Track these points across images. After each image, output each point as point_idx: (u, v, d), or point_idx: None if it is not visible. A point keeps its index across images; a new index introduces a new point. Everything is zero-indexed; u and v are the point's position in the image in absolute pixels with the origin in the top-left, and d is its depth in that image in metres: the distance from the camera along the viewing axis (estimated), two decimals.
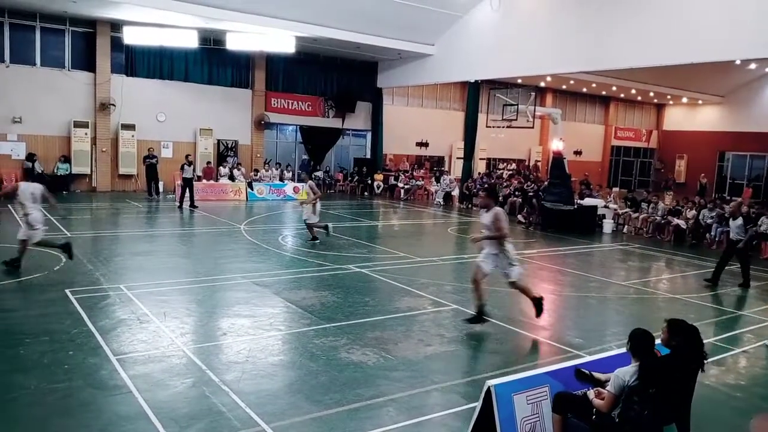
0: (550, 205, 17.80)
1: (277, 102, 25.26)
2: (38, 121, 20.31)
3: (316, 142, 26.66)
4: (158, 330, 6.94)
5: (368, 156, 28.29)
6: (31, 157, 19.87)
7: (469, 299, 9.13)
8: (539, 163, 32.21)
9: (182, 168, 18.41)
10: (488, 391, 4.09)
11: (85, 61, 21.11)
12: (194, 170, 19.31)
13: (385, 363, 6.27)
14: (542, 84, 29.86)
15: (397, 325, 7.61)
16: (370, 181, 26.08)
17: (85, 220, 15.61)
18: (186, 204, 18.14)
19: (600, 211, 18.23)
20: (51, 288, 8.49)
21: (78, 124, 20.81)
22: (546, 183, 19.99)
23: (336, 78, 26.55)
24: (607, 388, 4.25)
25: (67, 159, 20.72)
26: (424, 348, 6.83)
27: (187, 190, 18.30)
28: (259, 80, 24.62)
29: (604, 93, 33.91)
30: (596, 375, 4.47)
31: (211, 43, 22.48)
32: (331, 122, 26.71)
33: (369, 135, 28.30)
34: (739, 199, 19.07)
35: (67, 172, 20.72)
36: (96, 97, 21.12)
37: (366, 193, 25.77)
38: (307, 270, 10.50)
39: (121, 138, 21.59)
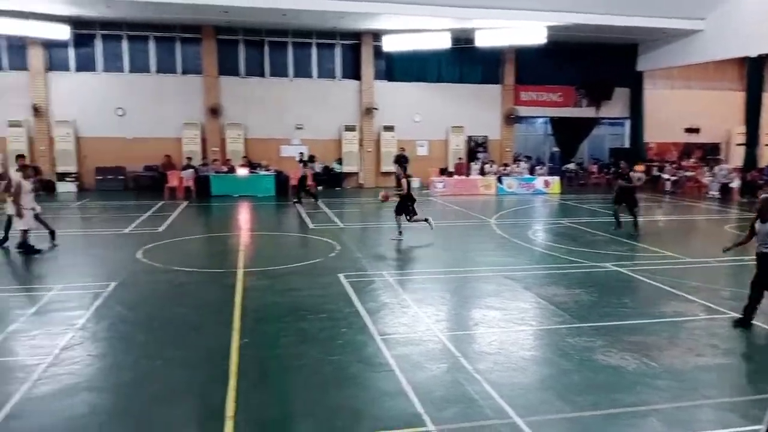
0: None
1: (527, 95, 24.95)
2: (315, 126, 23.24)
3: (568, 133, 25.72)
4: (416, 315, 7.43)
5: (627, 145, 26.31)
6: (311, 158, 22.85)
7: None
8: None
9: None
10: None
11: (352, 70, 23.49)
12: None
13: (646, 370, 5.80)
14: None
15: (660, 330, 6.96)
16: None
17: (355, 213, 17.40)
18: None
19: None
20: (327, 272, 9.66)
21: (347, 128, 23.29)
22: None
23: (588, 65, 25.09)
24: None
25: (341, 160, 23.37)
26: (693, 358, 6.14)
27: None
28: (509, 74, 24.61)
29: None
30: None
31: (462, 42, 23.15)
32: (584, 112, 25.47)
33: (627, 123, 26.30)
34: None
35: (340, 171, 23.37)
36: (361, 103, 23.36)
37: None
38: (559, 266, 10.20)
39: (382, 138, 23.56)
